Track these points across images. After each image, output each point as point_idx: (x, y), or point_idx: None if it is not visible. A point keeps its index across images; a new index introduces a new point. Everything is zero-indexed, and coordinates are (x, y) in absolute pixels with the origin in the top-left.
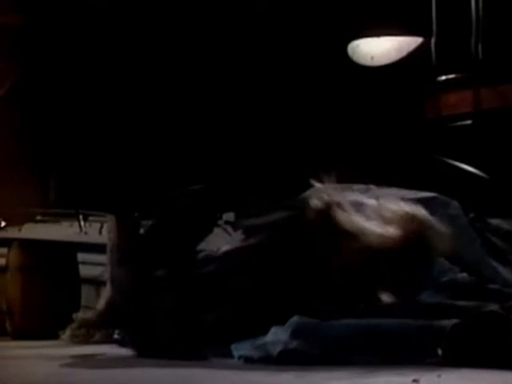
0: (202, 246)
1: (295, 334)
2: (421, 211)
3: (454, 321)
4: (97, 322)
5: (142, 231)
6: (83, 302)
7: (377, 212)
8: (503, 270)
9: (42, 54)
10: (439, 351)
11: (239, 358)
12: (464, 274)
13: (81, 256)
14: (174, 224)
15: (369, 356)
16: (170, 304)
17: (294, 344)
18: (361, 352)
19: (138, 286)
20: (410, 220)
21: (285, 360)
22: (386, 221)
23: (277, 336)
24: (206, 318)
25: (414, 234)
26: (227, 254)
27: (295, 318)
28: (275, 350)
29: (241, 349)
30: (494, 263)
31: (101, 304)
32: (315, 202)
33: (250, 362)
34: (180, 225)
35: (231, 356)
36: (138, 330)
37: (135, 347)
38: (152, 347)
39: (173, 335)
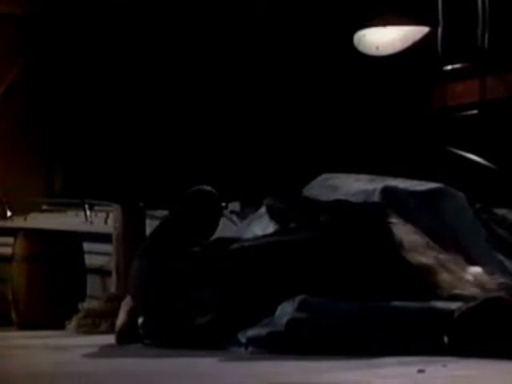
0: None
1: (302, 306)
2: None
3: (461, 305)
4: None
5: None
6: (89, 291)
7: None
8: (509, 263)
9: (48, 43)
10: (445, 339)
11: (247, 341)
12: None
13: (86, 245)
14: (186, 219)
15: (374, 334)
16: (194, 296)
17: (301, 315)
18: (366, 330)
19: (157, 277)
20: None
21: (292, 331)
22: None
23: (283, 311)
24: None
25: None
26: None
27: (301, 296)
28: (282, 322)
29: (247, 331)
30: (500, 256)
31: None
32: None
33: (258, 343)
34: (191, 220)
35: (238, 345)
36: (155, 320)
37: (151, 336)
38: (170, 336)
39: (194, 326)
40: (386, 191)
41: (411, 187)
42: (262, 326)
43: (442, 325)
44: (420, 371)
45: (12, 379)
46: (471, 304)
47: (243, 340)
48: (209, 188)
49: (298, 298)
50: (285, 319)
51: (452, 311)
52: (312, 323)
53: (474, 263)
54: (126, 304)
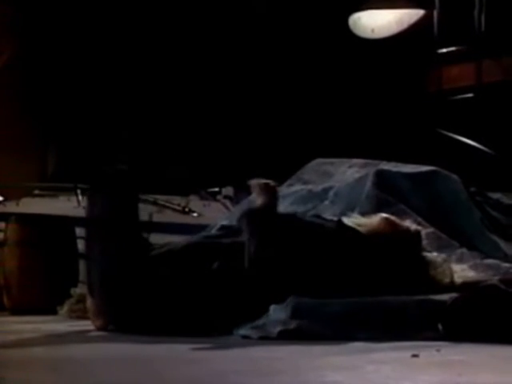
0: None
1: (295, 313)
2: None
3: (454, 295)
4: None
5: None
6: (81, 276)
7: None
8: (504, 245)
9: (42, 27)
10: (439, 326)
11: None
12: (463, 249)
13: (78, 230)
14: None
15: (369, 332)
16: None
17: (293, 324)
18: (361, 328)
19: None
20: None
21: (285, 339)
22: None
23: (276, 315)
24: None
25: None
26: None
27: (293, 298)
28: (275, 330)
29: (240, 329)
30: (495, 237)
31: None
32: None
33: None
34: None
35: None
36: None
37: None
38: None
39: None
40: (379, 174)
41: (405, 170)
42: (254, 327)
43: (437, 315)
44: (414, 356)
45: (3, 364)
46: (465, 293)
47: (235, 334)
48: (121, 166)
49: (291, 304)
50: (277, 329)
51: (445, 301)
52: (305, 329)
53: (468, 243)
54: (92, 305)
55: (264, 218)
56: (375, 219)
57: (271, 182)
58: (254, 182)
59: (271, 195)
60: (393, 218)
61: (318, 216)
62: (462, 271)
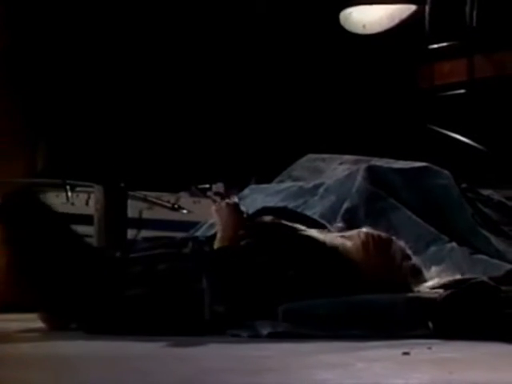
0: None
1: (283, 316)
2: None
3: (443, 292)
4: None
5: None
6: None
7: None
8: (495, 241)
9: (31, 21)
10: (430, 324)
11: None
12: (453, 244)
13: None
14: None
15: (359, 330)
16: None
17: (282, 327)
18: (351, 327)
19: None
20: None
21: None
22: None
23: (266, 317)
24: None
25: None
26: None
27: (284, 305)
28: (264, 331)
29: (230, 328)
30: (486, 233)
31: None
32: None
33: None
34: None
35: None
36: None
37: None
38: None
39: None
40: (370, 169)
41: (396, 166)
42: (244, 326)
43: (427, 312)
44: (405, 354)
45: None
46: (455, 290)
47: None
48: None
49: (281, 308)
50: (266, 330)
51: (435, 298)
52: (294, 332)
53: (460, 239)
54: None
55: (230, 267)
56: (355, 234)
57: (229, 201)
58: (215, 207)
59: (236, 221)
60: (371, 233)
61: (292, 227)
62: (441, 276)
